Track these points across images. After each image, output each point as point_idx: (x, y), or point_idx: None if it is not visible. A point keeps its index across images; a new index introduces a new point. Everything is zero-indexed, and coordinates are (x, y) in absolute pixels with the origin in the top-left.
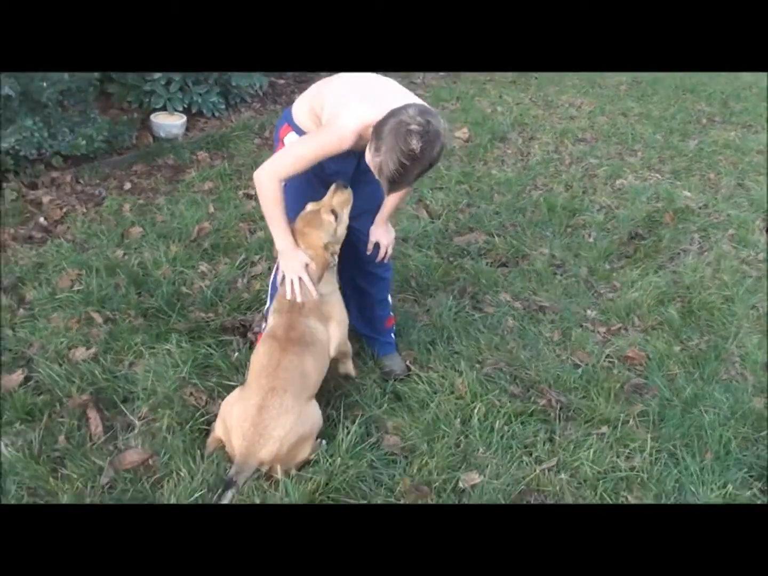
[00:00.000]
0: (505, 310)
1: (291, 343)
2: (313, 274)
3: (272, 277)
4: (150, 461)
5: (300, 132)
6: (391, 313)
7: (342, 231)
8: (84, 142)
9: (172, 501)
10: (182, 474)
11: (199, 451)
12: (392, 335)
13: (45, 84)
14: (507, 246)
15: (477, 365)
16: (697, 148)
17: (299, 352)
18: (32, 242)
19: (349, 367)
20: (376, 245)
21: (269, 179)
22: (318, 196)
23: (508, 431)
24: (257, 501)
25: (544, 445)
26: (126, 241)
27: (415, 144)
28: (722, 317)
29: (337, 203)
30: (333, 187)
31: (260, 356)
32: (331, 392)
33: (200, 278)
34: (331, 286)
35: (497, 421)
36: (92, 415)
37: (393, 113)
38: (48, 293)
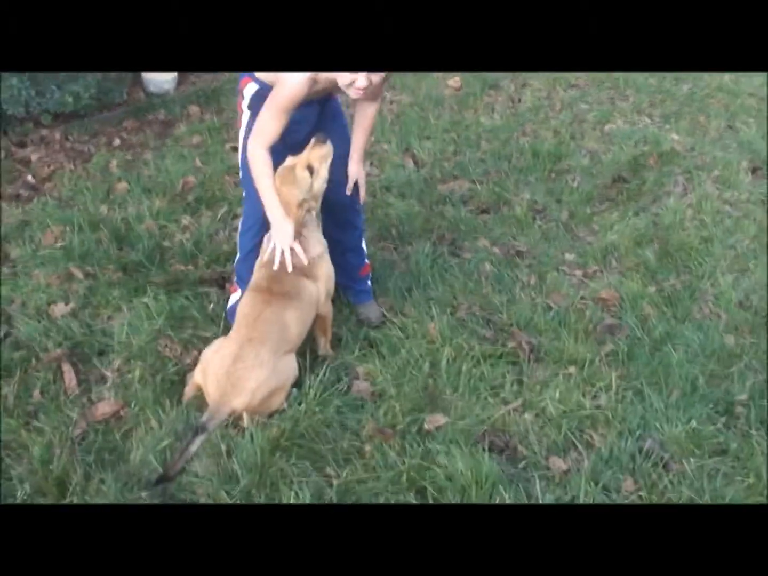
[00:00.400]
0: (483, 256)
1: (275, 296)
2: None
3: (240, 227)
4: (121, 412)
5: (260, 82)
6: (366, 261)
7: (319, 186)
8: (71, 99)
9: (140, 450)
10: (152, 424)
11: (168, 401)
12: (368, 283)
13: None
14: (489, 193)
15: (451, 310)
16: (689, 92)
17: (283, 305)
18: (19, 200)
19: (327, 348)
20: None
21: (257, 150)
22: (285, 150)
23: (477, 373)
24: (223, 447)
25: (512, 386)
26: (111, 197)
27: None
28: (699, 257)
29: (315, 157)
30: (312, 140)
31: (243, 306)
32: (305, 340)
33: (182, 232)
34: (320, 246)
35: (465, 364)
36: (66, 368)
37: None
38: (31, 250)
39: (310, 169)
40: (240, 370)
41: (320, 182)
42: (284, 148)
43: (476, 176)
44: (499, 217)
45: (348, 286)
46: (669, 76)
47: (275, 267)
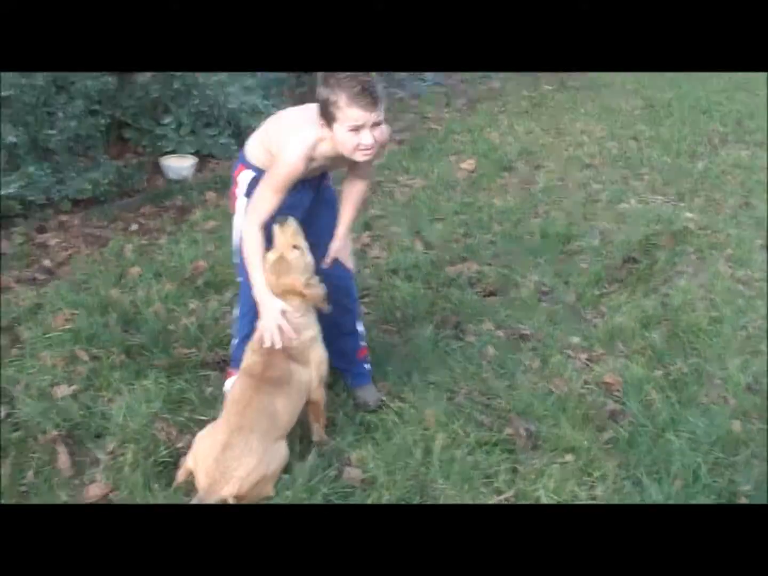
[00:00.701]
0: (487, 339)
1: (266, 383)
2: (292, 319)
3: (236, 312)
4: (111, 495)
5: (255, 169)
6: (363, 344)
7: (310, 258)
8: (90, 186)
9: None
10: None
11: (158, 485)
12: (366, 366)
13: (53, 131)
14: (497, 275)
15: (450, 395)
16: (705, 169)
17: (273, 392)
18: (35, 283)
19: (321, 434)
20: (338, 263)
21: (250, 229)
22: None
23: (470, 461)
24: None
25: (506, 475)
26: (123, 281)
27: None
28: (707, 339)
29: (292, 237)
30: (275, 227)
31: (233, 393)
32: (298, 425)
33: (188, 315)
34: (311, 330)
35: (458, 451)
36: (61, 450)
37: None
38: (41, 333)
39: (296, 248)
40: (229, 459)
41: (308, 254)
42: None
43: (485, 258)
44: (506, 299)
45: (346, 369)
46: (684, 154)
47: (266, 345)
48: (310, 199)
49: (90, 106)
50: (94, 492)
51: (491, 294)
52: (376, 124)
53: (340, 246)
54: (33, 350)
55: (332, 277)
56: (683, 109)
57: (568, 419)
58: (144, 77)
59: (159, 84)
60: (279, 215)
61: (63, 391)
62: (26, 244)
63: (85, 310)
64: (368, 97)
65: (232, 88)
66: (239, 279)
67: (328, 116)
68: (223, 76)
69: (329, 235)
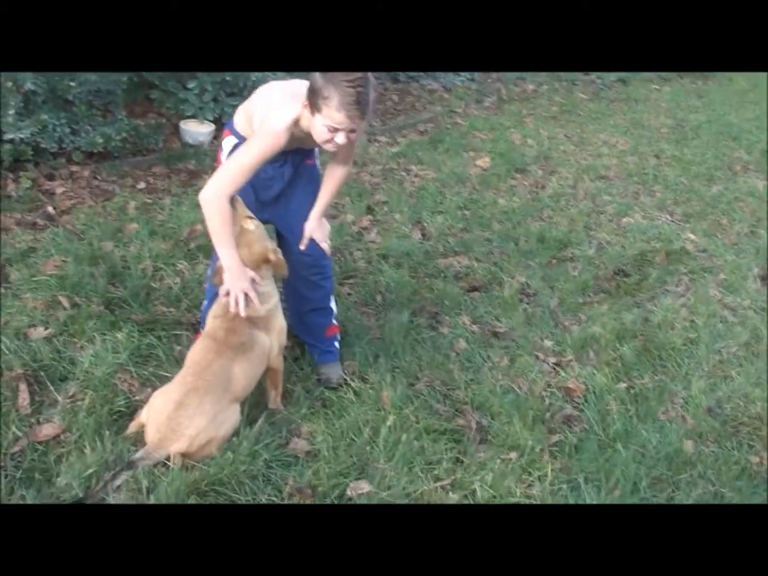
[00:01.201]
0: (460, 332)
1: (228, 347)
2: (259, 289)
3: (208, 272)
4: (62, 436)
5: (239, 136)
6: (334, 322)
7: (263, 230)
8: (101, 140)
9: (67, 475)
10: (86, 451)
11: (109, 432)
12: (335, 344)
13: (73, 83)
14: (485, 272)
15: (412, 381)
16: (718, 194)
17: (233, 357)
18: (34, 228)
19: (277, 402)
20: (313, 242)
21: (216, 198)
22: (257, 206)
23: (416, 446)
24: (145, 484)
25: (448, 464)
26: (119, 235)
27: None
28: (679, 358)
29: (241, 209)
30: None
31: (194, 353)
32: (256, 391)
33: (174, 276)
34: (274, 298)
35: (405, 435)
36: (22, 388)
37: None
38: (28, 275)
39: (251, 220)
40: (181, 416)
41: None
42: (257, 203)
43: (477, 255)
44: (488, 296)
45: (313, 345)
46: (702, 177)
47: (231, 311)
48: (291, 173)
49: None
50: (46, 431)
51: (475, 289)
52: (353, 130)
53: (315, 226)
54: (18, 291)
55: (304, 253)
56: (711, 133)
57: (521, 418)
58: None
59: None
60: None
61: (38, 333)
62: (33, 189)
63: (75, 258)
64: (357, 110)
65: None
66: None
67: (314, 105)
68: None
69: (304, 209)
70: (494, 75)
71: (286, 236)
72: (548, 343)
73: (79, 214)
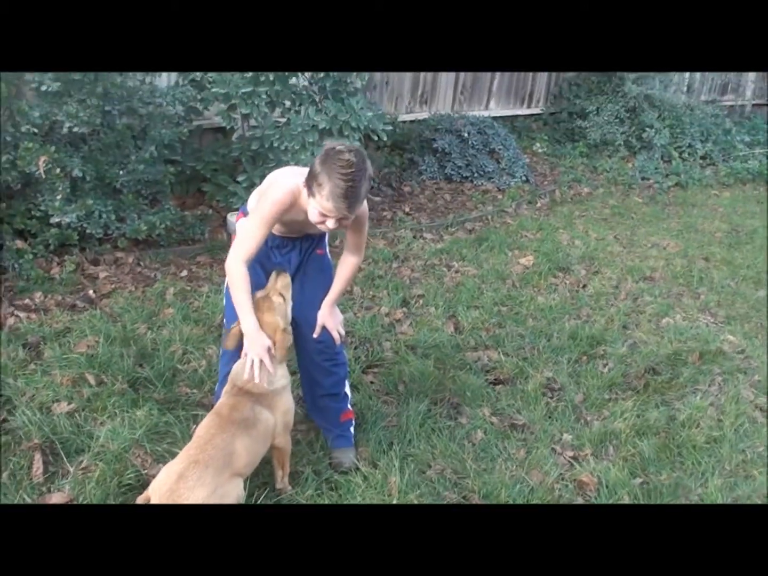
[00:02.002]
0: (479, 423)
1: (231, 423)
2: (274, 359)
3: (220, 359)
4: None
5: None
6: (349, 407)
7: (289, 312)
8: (145, 227)
9: None
10: None
11: (114, 503)
12: (350, 429)
13: (122, 172)
14: (512, 366)
15: (423, 468)
16: (764, 297)
17: (235, 432)
18: (73, 310)
19: (284, 482)
20: (325, 329)
21: (235, 264)
22: (262, 285)
23: None
24: None
25: None
26: (153, 319)
27: (347, 155)
28: (699, 456)
29: (281, 286)
30: (273, 273)
31: (199, 428)
32: (267, 473)
33: (201, 359)
34: (284, 380)
35: None
36: (36, 457)
37: (316, 158)
38: (60, 354)
39: (282, 297)
40: (182, 488)
41: (290, 308)
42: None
43: (508, 349)
44: (511, 389)
45: (327, 428)
46: (750, 280)
47: (245, 377)
48: (298, 260)
49: (164, 154)
50: (55, 500)
51: (499, 383)
52: (345, 218)
53: (327, 314)
54: (48, 368)
55: (317, 340)
56: (766, 238)
57: None
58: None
59: (239, 144)
60: (277, 267)
61: (62, 408)
62: (76, 272)
63: (107, 339)
64: (345, 203)
65: (304, 155)
66: (224, 320)
67: (310, 189)
68: (295, 143)
69: (315, 296)
70: (549, 177)
71: (299, 323)
72: (567, 436)
73: (118, 298)
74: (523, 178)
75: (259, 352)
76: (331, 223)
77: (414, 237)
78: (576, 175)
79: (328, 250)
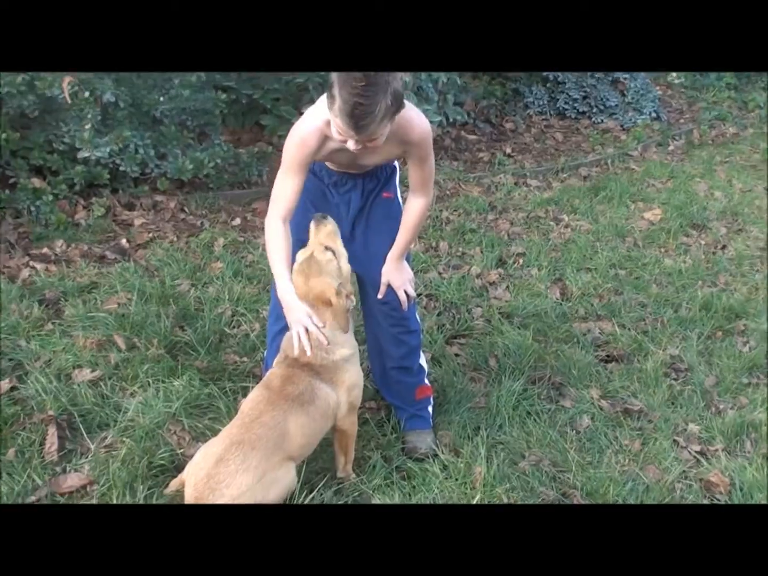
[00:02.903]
0: (585, 408)
1: (283, 398)
2: (323, 324)
3: (269, 316)
4: (88, 488)
5: None
6: (426, 383)
7: (345, 265)
8: (191, 166)
9: None
10: None
11: (142, 487)
12: (428, 409)
13: (162, 99)
14: (630, 340)
15: (516, 458)
16: None
17: (288, 409)
18: (101, 262)
19: (347, 469)
20: (391, 289)
21: (271, 223)
22: None
23: None
24: None
25: None
26: (198, 275)
27: (359, 75)
28: None
29: (326, 238)
30: (312, 223)
31: (245, 404)
32: (326, 458)
33: (253, 322)
34: (346, 349)
35: None
36: (50, 432)
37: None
38: (84, 312)
39: (330, 250)
40: (221, 473)
41: (344, 260)
42: None
43: (625, 320)
44: (627, 368)
45: (400, 407)
46: None
47: (295, 353)
48: (359, 203)
49: (215, 79)
50: (71, 482)
51: (613, 360)
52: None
53: (392, 270)
54: (69, 328)
55: (383, 302)
56: None
57: None
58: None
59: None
60: (316, 214)
61: (84, 375)
62: (106, 217)
63: (142, 296)
64: (352, 122)
65: None
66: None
67: (329, 99)
68: None
69: (383, 247)
70: (687, 114)
71: (363, 281)
72: (693, 427)
73: (156, 249)
74: (653, 114)
75: (299, 319)
76: (351, 144)
77: (515, 184)
78: (721, 111)
79: (399, 193)
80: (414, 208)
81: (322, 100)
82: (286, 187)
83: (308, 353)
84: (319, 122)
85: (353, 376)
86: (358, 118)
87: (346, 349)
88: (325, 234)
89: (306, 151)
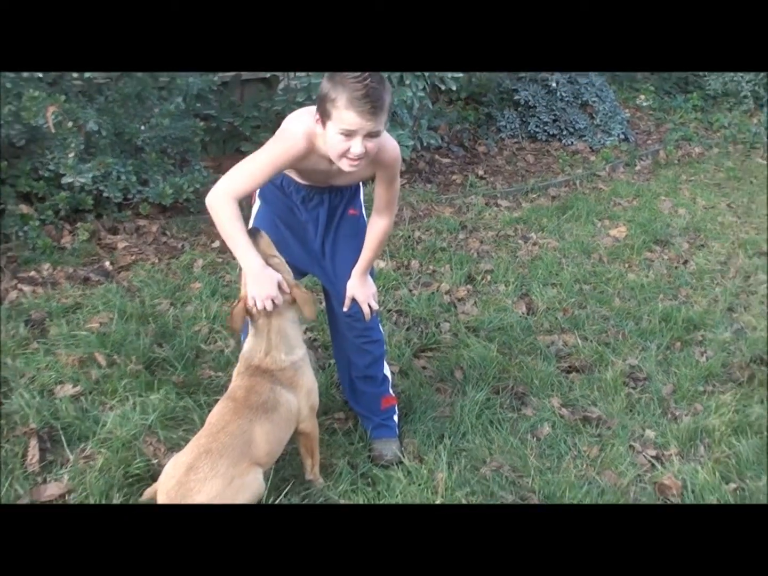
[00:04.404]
0: (546, 416)
1: (248, 408)
2: (287, 290)
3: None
4: (67, 496)
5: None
6: (390, 392)
7: (288, 267)
8: (171, 191)
9: None
10: None
11: (117, 495)
12: (393, 418)
13: (143, 127)
14: (591, 351)
15: (477, 464)
16: None
17: (253, 418)
18: (86, 284)
19: (315, 472)
20: (355, 302)
21: (223, 199)
22: (288, 249)
23: None
24: None
25: None
26: (177, 294)
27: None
28: None
29: (266, 246)
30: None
31: (211, 415)
32: (295, 465)
33: (229, 338)
34: (300, 350)
35: None
36: (32, 444)
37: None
38: (67, 331)
39: (275, 257)
40: (192, 481)
41: (284, 262)
42: (304, 255)
43: (587, 333)
44: (587, 378)
45: (366, 417)
46: None
47: (258, 315)
48: (326, 218)
49: (195, 107)
50: (51, 491)
51: (574, 370)
52: (370, 135)
53: (356, 285)
54: (53, 347)
55: (348, 314)
56: None
57: None
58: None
59: (284, 96)
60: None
61: (66, 390)
62: (91, 241)
63: (122, 316)
64: (369, 104)
65: None
66: None
67: (323, 112)
68: None
69: (348, 263)
70: (654, 135)
71: (330, 296)
72: (650, 433)
73: (139, 271)
74: (622, 136)
75: (267, 290)
76: (357, 146)
77: (486, 204)
78: (686, 132)
79: (363, 210)
80: (378, 227)
81: (306, 113)
82: (253, 176)
83: (269, 309)
84: (309, 131)
85: (309, 379)
86: (374, 101)
87: (300, 349)
88: (266, 245)
89: (294, 156)
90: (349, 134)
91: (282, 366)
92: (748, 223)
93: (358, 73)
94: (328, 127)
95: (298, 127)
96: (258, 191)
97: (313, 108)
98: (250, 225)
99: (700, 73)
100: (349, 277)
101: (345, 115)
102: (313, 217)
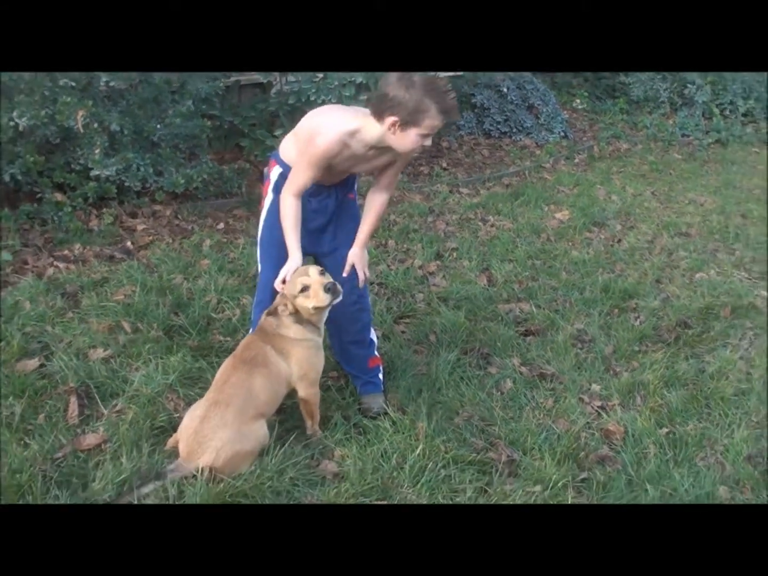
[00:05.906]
0: (508, 373)
1: (242, 362)
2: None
3: (254, 299)
4: (103, 446)
5: (285, 166)
6: (376, 354)
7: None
8: (183, 181)
9: (102, 481)
10: (122, 460)
11: (146, 444)
12: (378, 376)
13: (159, 126)
14: (544, 318)
15: (451, 414)
16: None
17: (249, 371)
18: (111, 261)
19: (314, 429)
20: (353, 272)
21: (286, 196)
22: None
23: (444, 475)
24: (173, 493)
25: (472, 492)
26: (189, 270)
27: (429, 75)
28: (727, 407)
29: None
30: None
31: (218, 371)
32: (297, 417)
33: (235, 308)
34: (298, 334)
35: (431, 463)
36: (72, 400)
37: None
38: (97, 302)
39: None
40: (206, 429)
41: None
42: (304, 232)
43: (540, 302)
44: (542, 340)
45: (355, 375)
46: None
47: (277, 284)
48: (334, 205)
49: (202, 109)
50: (89, 440)
51: (530, 334)
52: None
53: (357, 253)
54: (85, 316)
55: (343, 284)
56: None
57: (551, 454)
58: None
59: (276, 99)
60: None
61: (98, 353)
62: (115, 224)
63: (144, 288)
64: (456, 114)
65: None
66: (260, 268)
67: (412, 122)
68: (332, 96)
69: (347, 237)
70: (588, 133)
71: (328, 269)
72: (595, 387)
73: (155, 250)
74: (562, 133)
75: (291, 266)
76: (428, 142)
77: (450, 192)
78: (615, 131)
79: (356, 194)
80: (381, 201)
81: (333, 116)
82: (304, 176)
83: (278, 289)
84: (344, 134)
85: (304, 354)
86: (455, 104)
87: (293, 333)
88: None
89: (329, 154)
90: (429, 135)
91: (275, 331)
92: (669, 208)
93: (440, 83)
94: (409, 132)
95: (331, 131)
96: (272, 185)
97: (336, 109)
98: (263, 214)
99: (625, 81)
100: (345, 256)
101: (437, 122)
102: (322, 206)
